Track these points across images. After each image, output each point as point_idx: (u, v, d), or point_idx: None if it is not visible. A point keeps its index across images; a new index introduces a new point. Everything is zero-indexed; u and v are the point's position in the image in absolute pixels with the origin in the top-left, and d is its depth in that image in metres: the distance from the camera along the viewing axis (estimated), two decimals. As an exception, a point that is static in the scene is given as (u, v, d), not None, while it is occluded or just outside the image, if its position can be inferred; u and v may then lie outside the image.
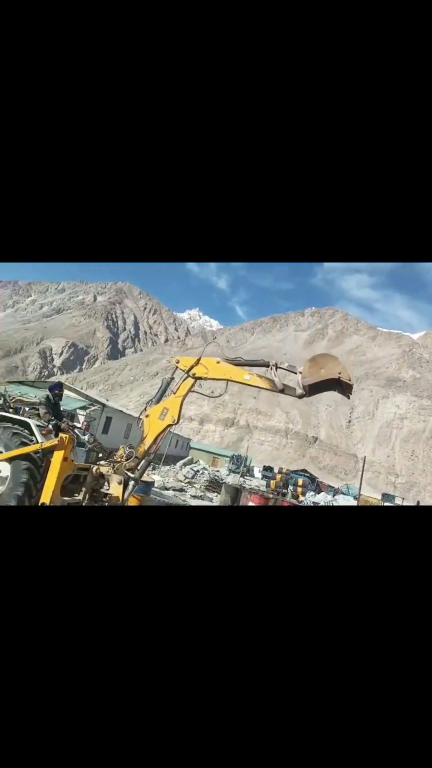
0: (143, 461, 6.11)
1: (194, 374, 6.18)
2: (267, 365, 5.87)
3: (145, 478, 8.81)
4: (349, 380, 5.28)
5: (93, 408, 20.51)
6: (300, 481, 25.79)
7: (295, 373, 5.68)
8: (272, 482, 23.70)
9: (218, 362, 6.19)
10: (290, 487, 22.56)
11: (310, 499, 20.71)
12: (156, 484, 14.80)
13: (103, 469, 5.94)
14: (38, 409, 6.29)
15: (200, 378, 6.19)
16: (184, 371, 6.24)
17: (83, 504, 5.74)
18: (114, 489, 5.90)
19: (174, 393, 6.25)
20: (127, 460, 6.10)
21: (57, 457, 5.12)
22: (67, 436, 5.26)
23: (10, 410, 6.11)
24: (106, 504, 5.93)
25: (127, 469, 6.01)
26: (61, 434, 5.28)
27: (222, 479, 21.36)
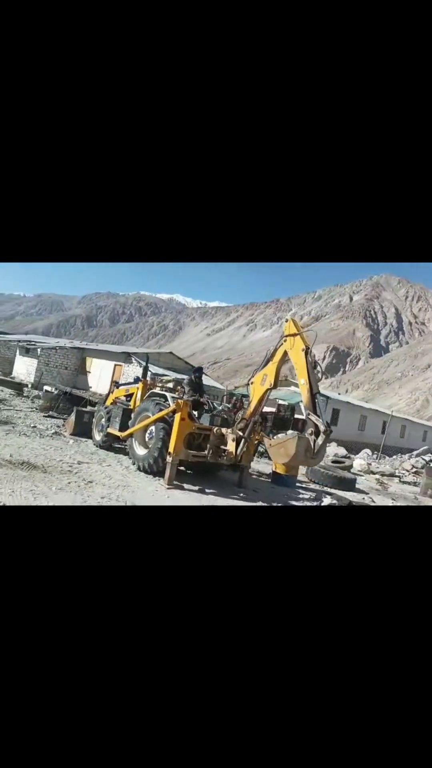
0: (250, 423, 7.06)
1: (284, 342, 6.68)
2: (319, 396, 6.23)
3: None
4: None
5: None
6: None
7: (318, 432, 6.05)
8: None
9: (303, 350, 6.20)
10: None
11: None
12: (359, 468, 14.63)
13: (223, 430, 7.23)
14: (184, 387, 8.23)
15: (286, 349, 6.57)
16: (284, 334, 6.75)
17: (208, 458, 7.16)
18: (230, 446, 7.09)
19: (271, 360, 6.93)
20: (239, 422, 7.21)
21: (177, 417, 6.78)
22: (182, 401, 6.85)
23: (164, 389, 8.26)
24: (225, 458, 7.18)
25: (239, 430, 7.11)
26: (177, 400, 6.93)
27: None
